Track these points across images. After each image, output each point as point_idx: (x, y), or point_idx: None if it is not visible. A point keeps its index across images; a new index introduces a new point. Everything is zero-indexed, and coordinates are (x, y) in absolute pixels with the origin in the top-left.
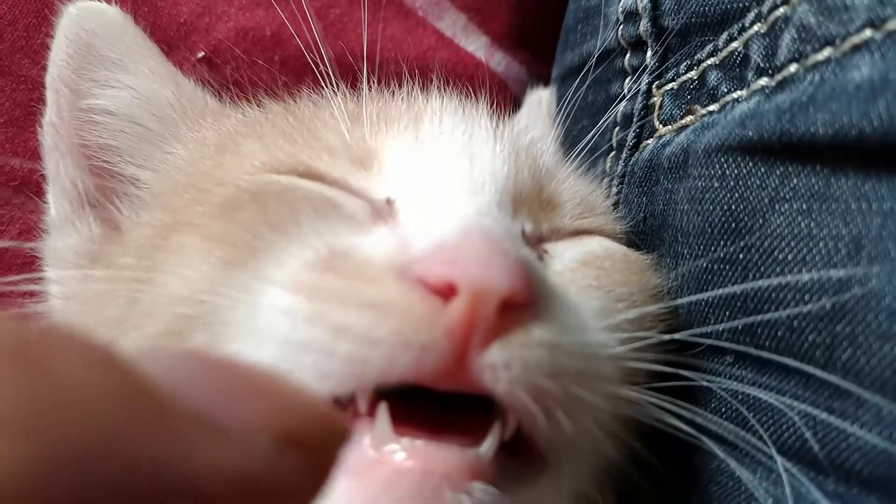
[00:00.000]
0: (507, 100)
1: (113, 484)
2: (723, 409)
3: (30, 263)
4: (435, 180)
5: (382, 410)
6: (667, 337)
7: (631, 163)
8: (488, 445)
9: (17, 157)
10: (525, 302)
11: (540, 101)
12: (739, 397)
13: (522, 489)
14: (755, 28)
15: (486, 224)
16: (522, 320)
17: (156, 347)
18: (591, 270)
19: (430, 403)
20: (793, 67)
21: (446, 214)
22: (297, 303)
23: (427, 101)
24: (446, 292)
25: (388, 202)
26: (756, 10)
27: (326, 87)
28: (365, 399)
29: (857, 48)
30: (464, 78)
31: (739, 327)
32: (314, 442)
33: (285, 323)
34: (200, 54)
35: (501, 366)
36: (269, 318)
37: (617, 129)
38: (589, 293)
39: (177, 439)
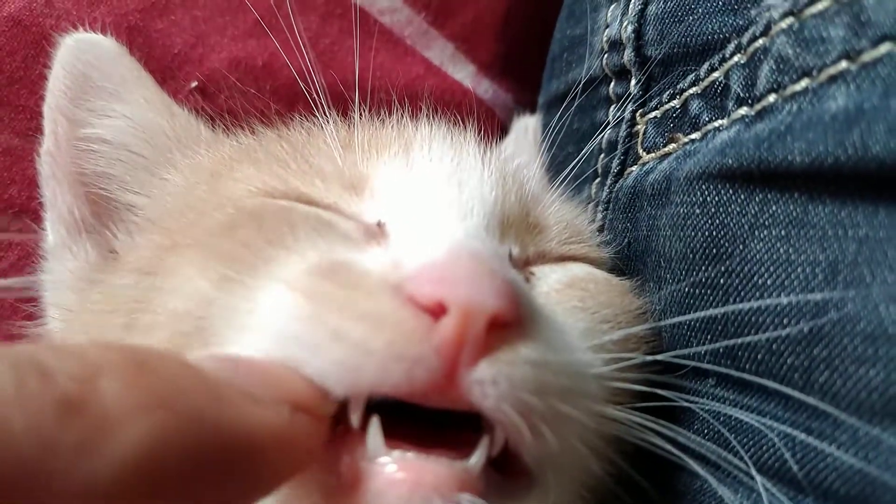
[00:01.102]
0: (494, 127)
1: (205, 438)
2: (705, 431)
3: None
4: (425, 205)
5: (374, 423)
6: (650, 358)
7: (615, 189)
8: (477, 458)
9: (14, 185)
10: (512, 321)
11: (526, 129)
12: (721, 419)
13: (510, 503)
14: (735, 59)
15: (474, 245)
16: (509, 339)
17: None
18: (576, 292)
19: (419, 421)
20: (772, 97)
21: (436, 236)
22: (297, 301)
23: (416, 129)
24: (436, 311)
25: (380, 225)
26: (736, 42)
27: (318, 114)
28: (357, 414)
29: (833, 79)
30: (452, 105)
31: (721, 350)
32: (315, 410)
33: (285, 318)
34: (194, 84)
35: (489, 382)
36: (269, 313)
37: (602, 155)
38: (574, 314)
39: (235, 407)
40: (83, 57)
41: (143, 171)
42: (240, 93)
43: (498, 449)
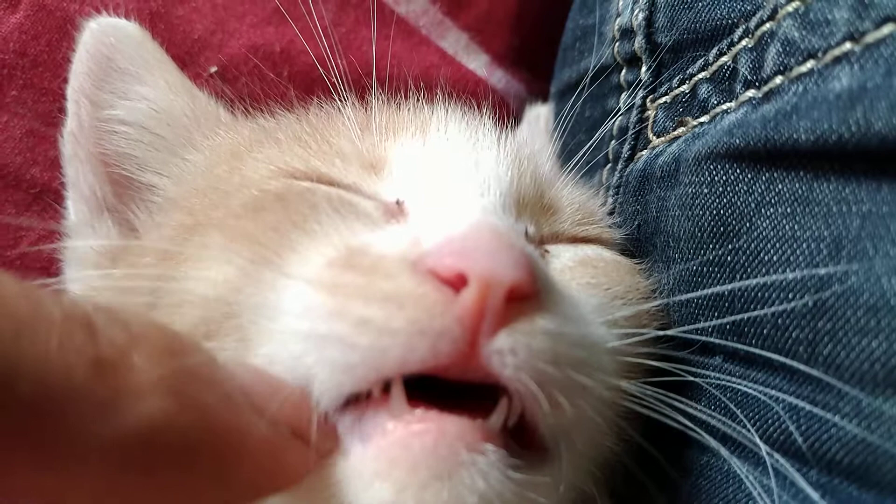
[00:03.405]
0: (507, 116)
1: (204, 430)
2: (712, 407)
3: (47, 267)
4: (442, 183)
5: (397, 386)
6: (661, 333)
7: (626, 173)
8: (496, 419)
9: (37, 166)
10: (530, 293)
11: (538, 117)
12: (728, 394)
13: (527, 472)
14: (743, 43)
15: (493, 221)
16: (527, 310)
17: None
18: (588, 269)
19: (436, 397)
20: (778, 79)
21: (455, 213)
22: (320, 299)
23: (433, 111)
24: (457, 283)
25: (399, 203)
26: (744, 26)
27: (337, 98)
28: (378, 386)
29: (837, 60)
30: (465, 94)
31: (728, 326)
32: (317, 445)
33: (310, 319)
34: (213, 69)
35: (508, 351)
36: (294, 316)
37: (613, 141)
38: (588, 290)
39: (241, 413)
40: (107, 40)
41: (163, 151)
42: (258, 78)
43: (515, 419)
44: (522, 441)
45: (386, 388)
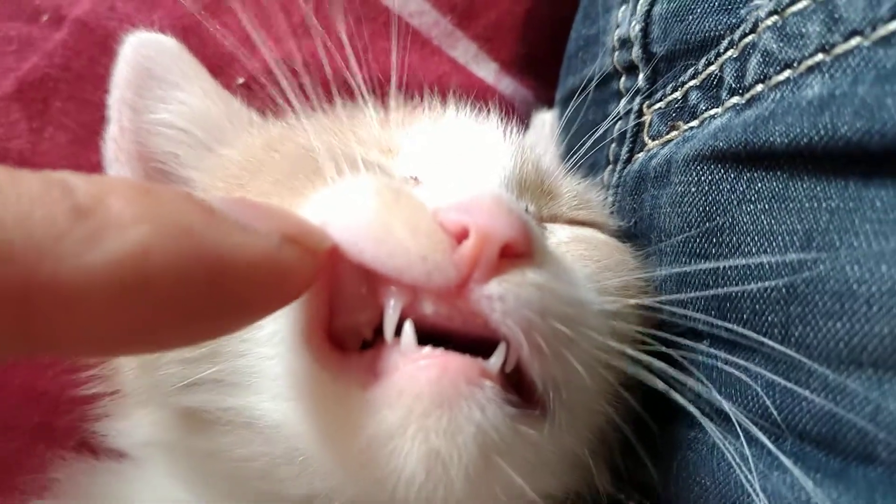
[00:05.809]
0: (515, 121)
1: (191, 253)
2: (697, 388)
3: None
4: (452, 163)
5: (408, 324)
6: (650, 302)
7: (624, 174)
8: (495, 360)
9: (81, 170)
10: (523, 252)
11: (544, 123)
12: (714, 375)
13: (523, 419)
14: (728, 53)
15: (496, 190)
16: (519, 265)
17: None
18: (582, 244)
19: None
20: (759, 87)
21: (463, 184)
22: (366, 188)
23: (445, 108)
24: (460, 237)
25: (414, 179)
26: (729, 38)
27: (359, 99)
28: (391, 329)
29: (810, 69)
30: (476, 99)
31: (713, 313)
32: (308, 243)
33: (361, 200)
34: (240, 80)
35: (496, 297)
36: (344, 194)
37: (613, 144)
38: (581, 261)
39: (225, 232)
40: (146, 52)
41: (201, 149)
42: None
43: (512, 365)
44: (520, 393)
45: (398, 332)
